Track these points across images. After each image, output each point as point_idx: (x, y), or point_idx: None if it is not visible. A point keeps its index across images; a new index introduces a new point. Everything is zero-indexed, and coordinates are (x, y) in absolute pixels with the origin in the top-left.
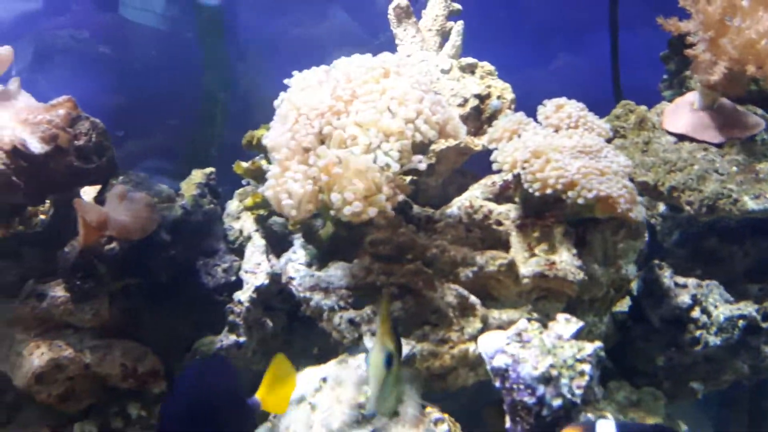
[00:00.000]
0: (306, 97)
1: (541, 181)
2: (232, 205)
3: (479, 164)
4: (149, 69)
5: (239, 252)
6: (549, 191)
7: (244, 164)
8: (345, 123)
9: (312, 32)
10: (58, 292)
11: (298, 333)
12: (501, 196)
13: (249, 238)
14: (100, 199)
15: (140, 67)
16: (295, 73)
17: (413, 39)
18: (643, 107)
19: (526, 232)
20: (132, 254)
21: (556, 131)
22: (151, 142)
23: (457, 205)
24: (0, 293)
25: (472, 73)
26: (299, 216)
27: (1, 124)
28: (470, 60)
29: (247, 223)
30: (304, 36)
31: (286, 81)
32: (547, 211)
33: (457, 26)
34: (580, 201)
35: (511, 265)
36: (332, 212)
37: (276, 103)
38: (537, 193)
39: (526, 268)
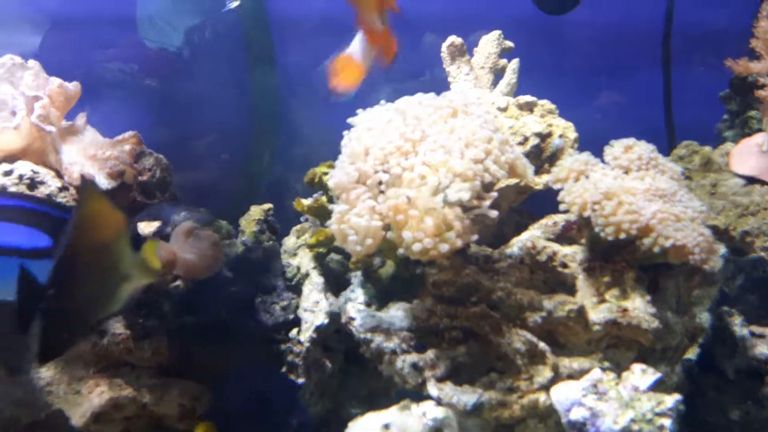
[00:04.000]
0: (373, 136)
1: (614, 225)
2: (289, 242)
3: (536, 204)
4: (197, 101)
5: (297, 289)
6: (622, 236)
7: (306, 201)
8: (414, 163)
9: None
10: (119, 328)
11: (352, 374)
12: (563, 236)
13: (307, 275)
14: (162, 234)
15: (188, 100)
16: (359, 111)
17: (467, 77)
18: (708, 148)
19: (595, 276)
20: (194, 291)
21: (626, 173)
22: (201, 176)
23: (518, 246)
24: None
25: (531, 111)
26: (363, 252)
27: (71, 160)
28: (528, 98)
29: (304, 260)
30: None
31: (350, 120)
32: (616, 255)
33: (513, 64)
34: (657, 249)
35: (581, 311)
36: (400, 251)
37: (343, 141)
38: (610, 238)
39: (597, 314)
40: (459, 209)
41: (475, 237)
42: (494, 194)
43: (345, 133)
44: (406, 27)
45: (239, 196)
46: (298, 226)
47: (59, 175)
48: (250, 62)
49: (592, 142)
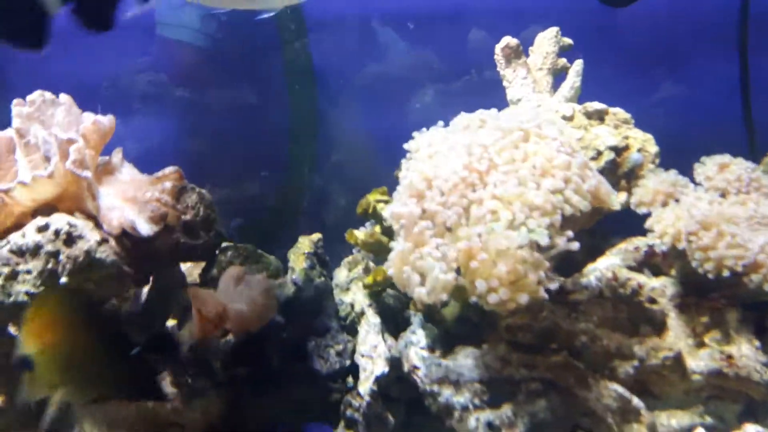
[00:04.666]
0: (435, 166)
1: (714, 261)
2: (341, 275)
3: (606, 221)
4: (232, 113)
5: (351, 329)
6: (725, 273)
7: (359, 234)
8: (482, 196)
9: (395, 70)
10: (166, 388)
11: (415, 427)
12: (646, 264)
13: (362, 314)
14: (208, 277)
15: (222, 111)
16: (414, 134)
17: (524, 80)
18: None
19: (690, 314)
20: (245, 340)
21: (723, 196)
22: (239, 194)
23: (595, 275)
24: None
25: (601, 120)
26: (430, 301)
27: (109, 205)
28: (597, 105)
29: (358, 296)
30: (387, 74)
31: (406, 146)
32: (713, 290)
33: (576, 65)
34: None
35: (678, 359)
36: (473, 299)
37: (400, 174)
38: (710, 275)
39: (697, 362)
40: (537, 250)
41: (556, 284)
42: (570, 233)
43: (403, 162)
44: (449, 22)
45: (281, 214)
46: (350, 258)
47: (98, 224)
48: (287, 68)
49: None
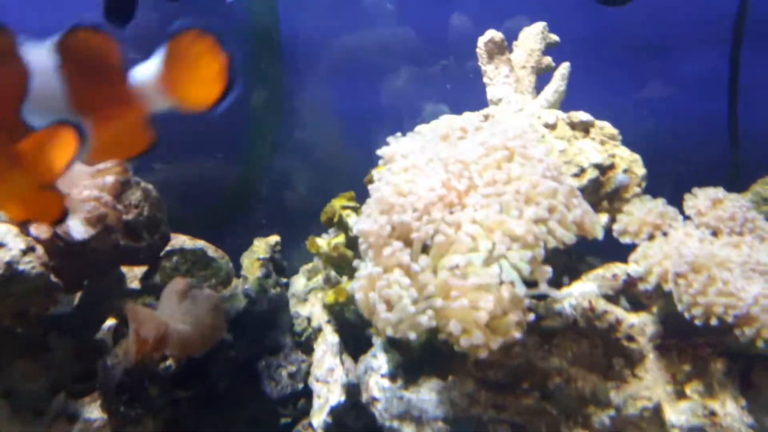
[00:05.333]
0: (411, 181)
1: (703, 308)
2: (298, 284)
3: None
4: None
5: (307, 347)
6: (714, 322)
7: (322, 244)
8: (461, 219)
9: (370, 46)
10: (94, 412)
11: None
12: (624, 293)
13: (319, 330)
14: (150, 283)
15: None
16: (390, 139)
17: (506, 79)
18: None
19: (670, 358)
20: (188, 366)
21: (715, 234)
22: (190, 178)
23: (570, 302)
24: (23, 408)
25: (586, 132)
26: (396, 336)
27: None
28: (583, 116)
29: (316, 309)
30: (361, 50)
31: (380, 152)
32: (697, 334)
33: (562, 68)
34: (762, 344)
35: (658, 411)
36: (443, 336)
37: (372, 186)
38: (698, 321)
39: (678, 415)
40: (517, 289)
41: (532, 317)
42: (548, 269)
43: (374, 172)
44: (431, 3)
45: (237, 199)
46: (309, 265)
47: (24, 227)
48: (251, 37)
49: (639, 145)
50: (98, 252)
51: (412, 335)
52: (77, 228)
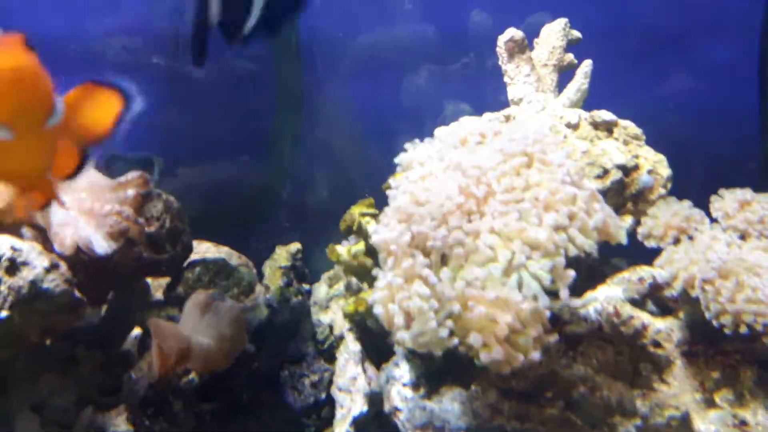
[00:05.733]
0: (429, 189)
1: (732, 316)
2: (320, 291)
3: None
4: (214, 86)
5: (329, 355)
6: (744, 331)
7: (342, 252)
8: (479, 228)
9: (390, 45)
10: (121, 425)
11: None
12: (651, 297)
13: (341, 338)
14: (173, 295)
15: (204, 84)
16: (407, 146)
17: (527, 78)
18: None
19: (698, 365)
20: (211, 379)
21: (743, 238)
22: (216, 180)
23: (594, 307)
24: (52, 422)
25: (609, 132)
26: (414, 348)
27: (61, 219)
28: (606, 115)
29: (338, 317)
30: (381, 49)
31: (397, 160)
32: (726, 341)
33: (584, 66)
34: None
35: (686, 421)
36: (462, 349)
37: (389, 193)
38: (726, 330)
39: (707, 425)
40: (538, 302)
41: (553, 339)
42: (573, 273)
43: (391, 179)
44: (451, 0)
45: (260, 201)
46: (331, 272)
47: (46, 244)
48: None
49: (664, 143)
50: (121, 265)
51: (436, 351)
52: (99, 243)
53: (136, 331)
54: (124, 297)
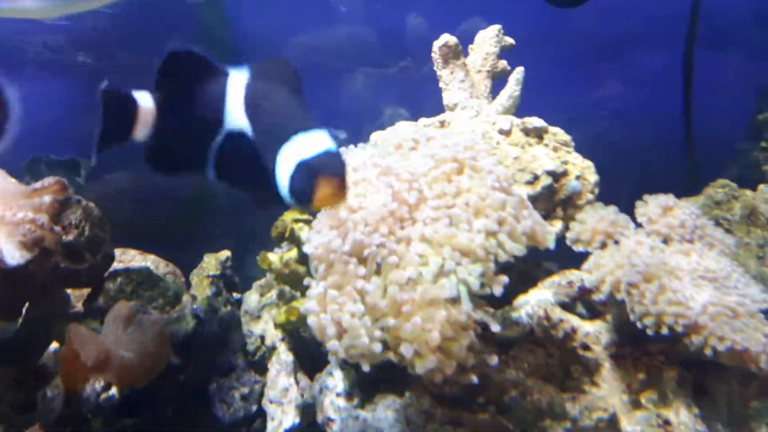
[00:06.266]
0: (362, 195)
1: (654, 317)
2: (251, 300)
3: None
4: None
5: (261, 366)
6: (665, 332)
7: (274, 259)
8: (410, 235)
9: (326, 45)
10: None
11: None
12: (581, 300)
13: (273, 349)
14: (94, 307)
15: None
16: (341, 151)
17: (461, 84)
18: (749, 193)
19: (625, 367)
20: (133, 394)
21: (666, 242)
22: (144, 186)
23: (526, 311)
24: None
25: (540, 138)
26: (347, 358)
27: None
28: (537, 122)
29: (270, 327)
30: (317, 48)
31: None
32: (650, 341)
33: (516, 73)
34: (709, 352)
35: (613, 422)
36: (395, 359)
37: None
38: (649, 332)
39: (633, 426)
40: (463, 306)
41: (495, 361)
42: (505, 279)
43: None
44: (388, 4)
45: (192, 208)
46: (263, 281)
47: None
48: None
49: (594, 148)
50: (36, 276)
51: (364, 363)
52: (11, 253)
53: (54, 345)
54: (40, 309)
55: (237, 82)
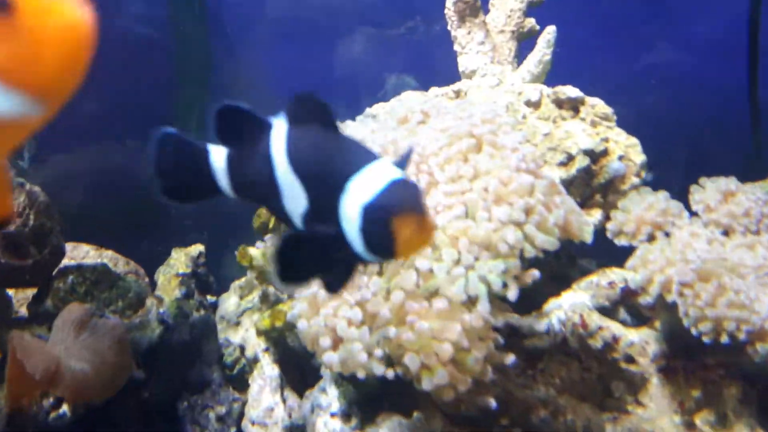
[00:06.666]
0: None
1: (712, 322)
2: (229, 304)
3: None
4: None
5: (240, 382)
6: (725, 340)
7: (256, 255)
8: None
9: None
10: None
11: None
12: (623, 304)
13: (255, 361)
14: (40, 310)
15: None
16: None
17: (480, 47)
18: None
19: (677, 382)
20: (88, 412)
21: (726, 234)
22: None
23: (558, 317)
24: None
25: (575, 111)
26: (345, 371)
27: None
28: (571, 92)
29: (251, 335)
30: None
31: None
32: (707, 353)
33: (547, 33)
34: None
35: None
36: (399, 372)
37: None
38: (706, 339)
39: None
40: (487, 313)
41: (511, 359)
42: (536, 273)
43: None
44: None
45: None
46: (242, 280)
47: None
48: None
49: (640, 123)
50: None
51: (362, 375)
52: None
53: None
54: None
55: (279, 134)
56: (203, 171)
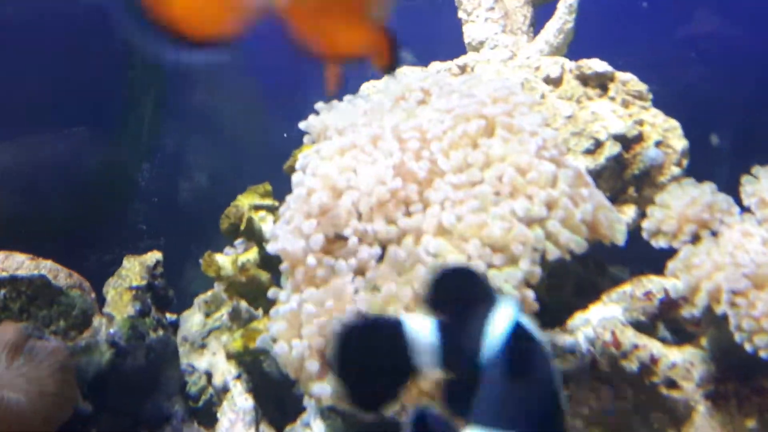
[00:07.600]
0: (349, 169)
1: None
2: (192, 322)
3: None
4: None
5: (207, 416)
6: None
7: (225, 263)
8: (421, 225)
9: None
10: None
11: None
12: (663, 318)
13: (224, 390)
14: None
15: (19, 25)
16: (320, 106)
17: (490, 13)
18: None
19: (728, 410)
20: None
21: None
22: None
23: (585, 334)
24: None
25: (603, 89)
26: (341, 405)
27: None
28: (598, 66)
29: (219, 359)
30: None
31: (303, 125)
32: (763, 374)
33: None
34: None
35: None
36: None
37: (296, 175)
38: (763, 354)
39: None
40: None
41: None
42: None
43: (299, 154)
44: None
45: (103, 193)
46: (208, 294)
47: None
48: None
49: (682, 100)
50: None
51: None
52: None
53: None
54: None
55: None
56: None
